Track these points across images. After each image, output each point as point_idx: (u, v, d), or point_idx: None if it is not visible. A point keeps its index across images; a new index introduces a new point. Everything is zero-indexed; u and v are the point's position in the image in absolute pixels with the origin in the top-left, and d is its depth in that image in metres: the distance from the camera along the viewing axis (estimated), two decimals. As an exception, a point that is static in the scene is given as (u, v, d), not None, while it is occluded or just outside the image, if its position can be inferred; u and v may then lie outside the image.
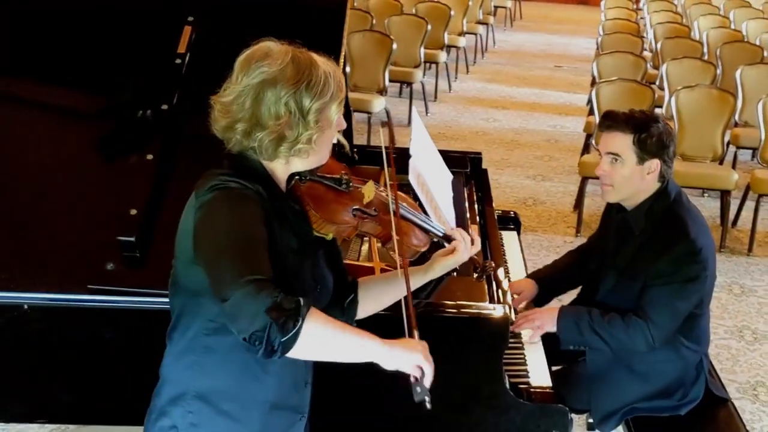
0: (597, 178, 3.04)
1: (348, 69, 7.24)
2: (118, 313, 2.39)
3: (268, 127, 1.84)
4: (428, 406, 1.77)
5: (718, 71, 7.51)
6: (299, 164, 1.96)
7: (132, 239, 2.42)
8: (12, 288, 2.37)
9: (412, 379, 1.79)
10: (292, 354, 1.67)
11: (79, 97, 2.84)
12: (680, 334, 2.93)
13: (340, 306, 2.14)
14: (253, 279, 1.65)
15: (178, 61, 2.82)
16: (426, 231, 2.31)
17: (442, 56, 9.65)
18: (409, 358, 1.78)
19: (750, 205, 6.11)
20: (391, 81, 8.05)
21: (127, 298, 2.38)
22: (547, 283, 3.28)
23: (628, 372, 2.98)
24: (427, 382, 1.79)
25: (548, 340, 2.95)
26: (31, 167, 2.67)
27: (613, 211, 3.09)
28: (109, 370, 2.44)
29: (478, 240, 2.33)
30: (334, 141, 2.00)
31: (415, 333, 1.85)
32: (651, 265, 2.84)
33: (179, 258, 1.90)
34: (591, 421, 3.34)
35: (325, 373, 2.07)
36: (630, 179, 2.87)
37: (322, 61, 1.91)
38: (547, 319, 2.92)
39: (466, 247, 2.25)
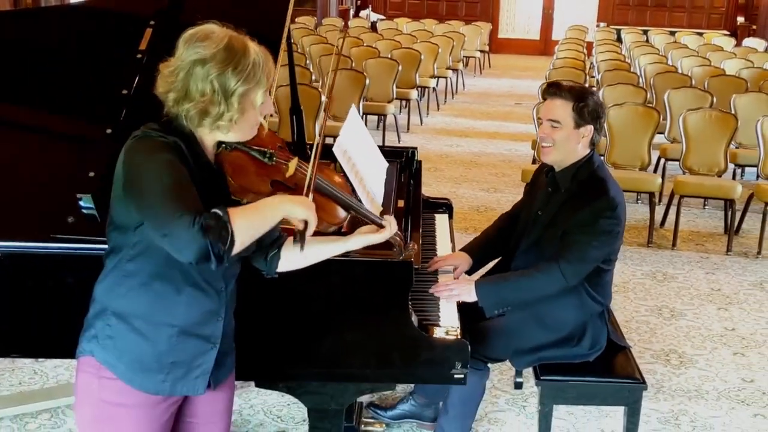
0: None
1: (324, 99, 7.46)
2: (77, 259, 2.49)
3: (194, 100, 1.90)
4: (301, 250, 1.97)
5: (650, 95, 7.69)
6: (222, 137, 2.01)
7: (88, 196, 2.54)
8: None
9: (297, 228, 1.94)
10: (237, 248, 1.82)
11: (51, 84, 2.98)
12: (586, 282, 3.02)
13: (264, 257, 2.19)
14: (181, 214, 1.76)
15: (140, 56, 2.98)
16: (347, 209, 2.27)
17: (414, 94, 9.89)
18: (302, 212, 1.92)
19: (675, 210, 6.24)
20: (367, 114, 8.30)
21: (84, 246, 2.48)
22: (480, 253, 3.36)
23: (535, 319, 3.06)
24: (308, 234, 1.95)
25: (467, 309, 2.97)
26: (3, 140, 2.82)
27: (542, 175, 3.19)
28: (70, 310, 2.53)
29: (395, 226, 2.32)
30: (260, 122, 2.04)
31: (310, 195, 2.00)
32: (572, 216, 2.95)
33: (113, 197, 1.99)
34: (519, 380, 3.41)
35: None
36: (567, 141, 3.00)
37: (255, 51, 1.95)
38: (464, 289, 2.97)
39: (390, 233, 2.27)
